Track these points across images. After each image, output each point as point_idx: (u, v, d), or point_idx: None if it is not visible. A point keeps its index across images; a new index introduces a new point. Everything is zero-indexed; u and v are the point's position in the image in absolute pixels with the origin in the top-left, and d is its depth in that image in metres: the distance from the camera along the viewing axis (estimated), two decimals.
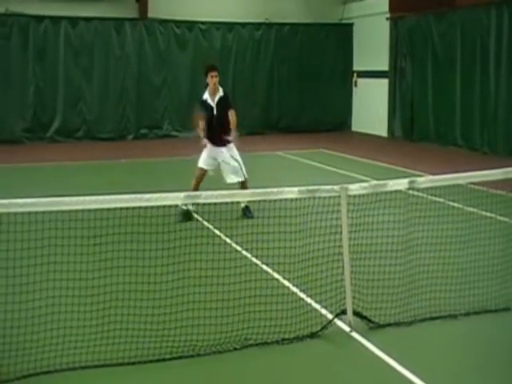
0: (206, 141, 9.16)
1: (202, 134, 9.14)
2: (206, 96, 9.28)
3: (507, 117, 15.47)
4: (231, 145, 9.26)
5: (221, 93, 9.27)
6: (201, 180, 9.23)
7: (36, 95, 18.41)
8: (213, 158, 9.29)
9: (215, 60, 19.60)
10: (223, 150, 9.23)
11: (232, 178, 9.18)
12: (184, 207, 8.84)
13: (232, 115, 9.25)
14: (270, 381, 4.76)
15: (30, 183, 11.60)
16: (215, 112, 9.23)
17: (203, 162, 9.31)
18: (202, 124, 9.16)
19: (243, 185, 9.18)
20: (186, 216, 8.89)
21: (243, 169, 9.22)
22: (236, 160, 9.21)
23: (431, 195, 9.10)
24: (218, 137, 9.18)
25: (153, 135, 19.59)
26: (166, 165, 14.79)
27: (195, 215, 8.95)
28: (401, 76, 19.39)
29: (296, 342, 5.23)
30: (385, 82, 19.89)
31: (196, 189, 8.84)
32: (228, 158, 9.19)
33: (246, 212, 9.18)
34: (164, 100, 19.73)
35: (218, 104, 9.23)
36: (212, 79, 9.14)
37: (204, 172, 9.31)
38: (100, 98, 19.05)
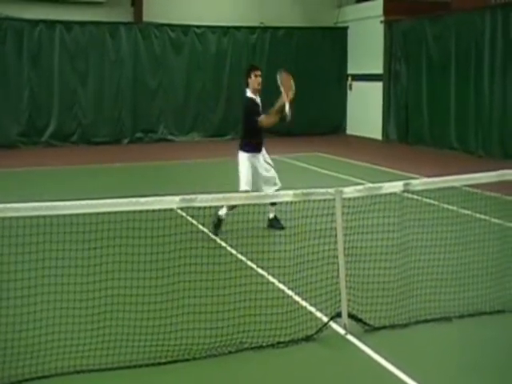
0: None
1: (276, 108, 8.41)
2: (252, 96, 8.69)
3: (502, 120, 15.52)
4: (264, 151, 8.77)
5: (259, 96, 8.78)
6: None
7: (31, 99, 18.38)
8: (253, 173, 8.54)
9: (211, 64, 19.89)
10: (260, 156, 8.68)
11: (268, 188, 8.46)
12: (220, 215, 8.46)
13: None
14: None
15: (25, 188, 11.58)
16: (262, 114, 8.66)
17: (247, 182, 8.44)
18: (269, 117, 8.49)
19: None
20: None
21: (276, 177, 8.69)
22: (271, 166, 8.67)
23: (426, 198, 9.11)
24: (260, 141, 8.70)
25: (148, 139, 19.58)
26: (162, 169, 14.77)
27: (190, 219, 8.94)
28: (395, 79, 19.44)
29: (291, 345, 5.23)
30: (379, 85, 19.93)
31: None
32: (264, 166, 8.63)
33: (274, 223, 8.72)
34: (159, 104, 19.72)
35: (261, 106, 8.73)
36: (257, 78, 8.56)
37: None
38: (95, 101, 19.04)
